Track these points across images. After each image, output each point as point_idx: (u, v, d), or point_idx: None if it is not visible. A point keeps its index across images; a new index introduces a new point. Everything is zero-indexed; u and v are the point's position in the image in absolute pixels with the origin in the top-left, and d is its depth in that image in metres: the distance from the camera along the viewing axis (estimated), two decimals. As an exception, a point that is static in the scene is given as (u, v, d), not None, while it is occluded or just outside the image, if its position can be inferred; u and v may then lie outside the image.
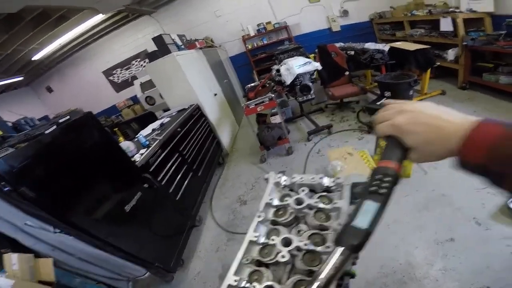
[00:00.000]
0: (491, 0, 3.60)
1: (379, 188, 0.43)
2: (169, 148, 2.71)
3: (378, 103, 3.35)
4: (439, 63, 4.00)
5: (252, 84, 4.16)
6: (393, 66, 4.02)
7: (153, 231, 2.14)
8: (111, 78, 7.60)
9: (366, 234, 0.40)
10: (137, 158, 2.27)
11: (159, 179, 2.38)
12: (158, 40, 3.67)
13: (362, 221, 0.41)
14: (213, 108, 4.22)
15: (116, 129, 6.30)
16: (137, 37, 6.88)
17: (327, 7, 6.47)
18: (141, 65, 7.22)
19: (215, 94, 4.49)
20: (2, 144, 2.16)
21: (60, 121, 1.74)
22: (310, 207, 0.70)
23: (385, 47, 3.95)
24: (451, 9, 4.10)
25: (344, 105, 4.34)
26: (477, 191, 2.08)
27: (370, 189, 0.43)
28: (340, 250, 0.41)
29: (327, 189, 0.75)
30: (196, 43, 4.59)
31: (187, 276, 2.32)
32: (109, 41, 6.98)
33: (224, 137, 4.31)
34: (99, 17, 5.24)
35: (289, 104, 4.66)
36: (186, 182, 2.81)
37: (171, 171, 2.61)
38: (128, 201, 1.95)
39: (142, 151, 2.41)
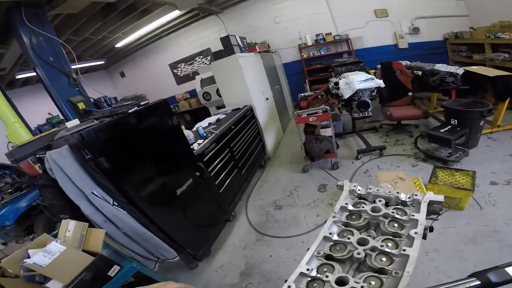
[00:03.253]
0: None
1: None
2: (222, 143, 2.87)
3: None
4: (521, 94, 3.48)
5: (306, 94, 4.17)
6: (464, 92, 3.65)
7: (193, 218, 2.25)
8: (175, 71, 8.28)
9: (508, 281, 0.44)
10: (195, 146, 2.45)
11: (209, 169, 2.53)
12: (225, 40, 3.92)
13: None
14: (263, 112, 4.35)
15: (172, 117, 6.76)
16: (203, 35, 7.37)
17: (395, 23, 6.15)
18: (203, 62, 7.68)
19: (267, 99, 4.62)
20: (86, 117, 2.52)
21: (142, 103, 1.98)
22: (385, 215, 0.73)
23: (459, 70, 3.60)
24: (544, 33, 3.59)
25: (402, 128, 4.09)
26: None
27: None
28: (474, 282, 0.45)
29: (402, 203, 0.77)
30: (256, 46, 4.75)
31: (211, 266, 2.40)
32: (178, 37, 7.62)
33: (269, 141, 4.40)
34: (176, 13, 5.78)
35: (341, 119, 4.56)
36: (230, 178, 2.94)
37: (220, 165, 2.76)
38: (180, 185, 2.09)
39: (199, 141, 2.59)
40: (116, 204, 1.66)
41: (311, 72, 6.81)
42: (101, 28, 5.26)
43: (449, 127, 3.15)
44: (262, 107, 4.35)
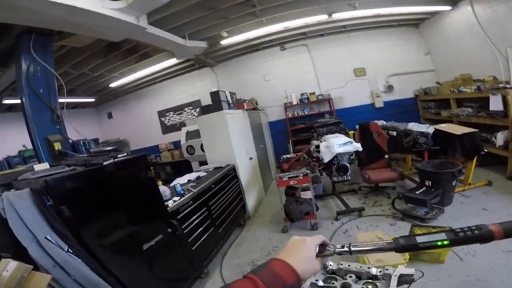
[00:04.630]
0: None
1: (462, 231, 0.53)
2: (200, 201, 2.79)
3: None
4: (486, 150, 3.58)
5: (288, 156, 4.25)
6: (436, 151, 3.78)
7: (160, 273, 2.11)
8: (163, 119, 8.16)
9: (413, 246, 0.56)
10: (170, 203, 2.36)
11: (183, 227, 2.41)
12: (215, 95, 3.99)
13: (421, 238, 0.55)
14: (246, 171, 4.32)
15: (152, 168, 6.59)
16: (195, 86, 7.49)
17: (372, 82, 6.44)
18: (192, 114, 7.65)
19: (251, 158, 4.63)
20: (59, 159, 2.40)
21: (119, 155, 1.94)
22: (355, 292, 0.69)
23: (429, 129, 3.74)
24: (501, 85, 3.79)
25: (379, 190, 4.17)
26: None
27: (456, 229, 0.54)
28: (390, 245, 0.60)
29: (373, 277, 0.75)
30: (244, 104, 4.81)
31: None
32: (171, 85, 7.74)
33: (250, 200, 4.29)
34: (172, 61, 5.93)
35: (321, 181, 4.58)
36: (205, 235, 2.80)
37: (195, 222, 2.64)
38: (148, 240, 1.99)
39: (175, 198, 2.51)
40: (71, 251, 1.53)
41: (295, 132, 6.86)
42: (100, 65, 5.33)
43: (424, 188, 3.26)
44: (245, 167, 4.34)
